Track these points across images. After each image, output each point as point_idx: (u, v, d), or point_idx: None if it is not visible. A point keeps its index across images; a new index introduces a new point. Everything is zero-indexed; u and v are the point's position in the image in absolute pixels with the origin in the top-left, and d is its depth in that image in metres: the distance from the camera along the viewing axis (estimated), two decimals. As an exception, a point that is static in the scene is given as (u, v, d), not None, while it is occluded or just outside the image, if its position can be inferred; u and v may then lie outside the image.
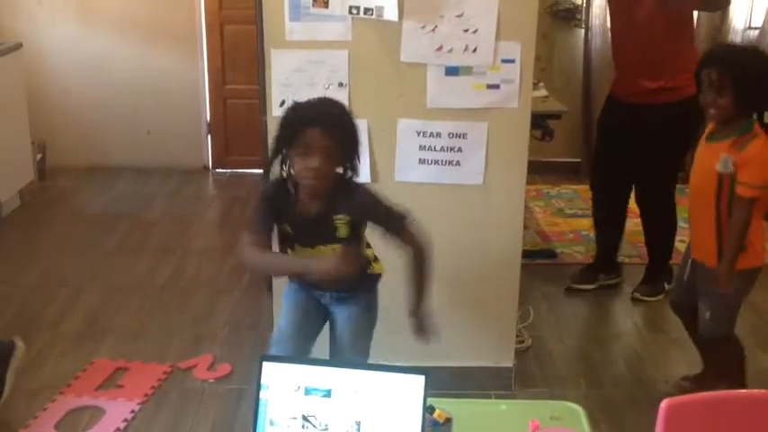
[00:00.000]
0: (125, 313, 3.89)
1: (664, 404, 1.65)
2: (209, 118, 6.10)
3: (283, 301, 2.63)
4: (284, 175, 2.37)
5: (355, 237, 2.43)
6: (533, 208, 5.33)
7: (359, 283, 2.50)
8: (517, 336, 3.45)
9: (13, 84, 5.10)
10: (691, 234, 3.03)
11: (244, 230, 2.41)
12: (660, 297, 4.02)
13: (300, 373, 1.81)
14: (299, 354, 2.50)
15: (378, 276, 2.58)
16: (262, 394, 1.80)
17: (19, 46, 5.18)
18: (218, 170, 6.12)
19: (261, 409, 1.80)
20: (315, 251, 2.41)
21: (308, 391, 1.79)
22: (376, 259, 2.57)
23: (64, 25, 5.78)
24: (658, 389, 3.27)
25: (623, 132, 3.93)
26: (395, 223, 2.40)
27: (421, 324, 2.51)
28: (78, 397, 3.14)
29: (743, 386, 2.98)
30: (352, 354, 2.54)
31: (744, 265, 2.83)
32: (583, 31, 5.96)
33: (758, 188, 2.74)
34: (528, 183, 3.12)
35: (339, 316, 2.56)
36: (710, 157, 2.82)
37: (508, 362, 3.24)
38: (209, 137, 6.13)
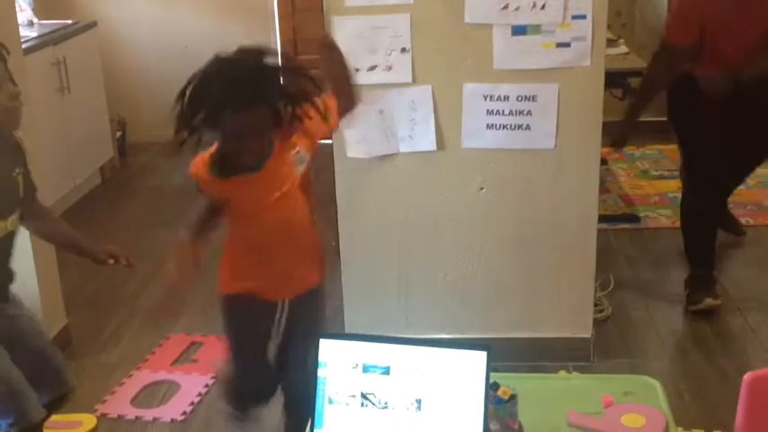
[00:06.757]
0: (201, 287, 3.89)
1: (747, 377, 1.65)
2: (282, 90, 6.08)
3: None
4: None
5: None
6: (616, 171, 5.14)
7: None
8: (597, 304, 3.33)
9: (89, 62, 5.17)
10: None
11: None
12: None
13: (358, 350, 1.77)
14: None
15: None
16: (320, 372, 1.77)
17: (93, 24, 5.24)
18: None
19: (319, 387, 1.77)
20: None
21: (366, 369, 1.76)
22: None
23: (141, 1, 5.83)
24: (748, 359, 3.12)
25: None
26: None
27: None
28: (154, 372, 3.17)
29: None
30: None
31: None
32: (667, -18, 5.70)
33: None
34: (610, 144, 2.97)
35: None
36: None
37: (586, 332, 3.12)
38: (283, 109, 6.12)
